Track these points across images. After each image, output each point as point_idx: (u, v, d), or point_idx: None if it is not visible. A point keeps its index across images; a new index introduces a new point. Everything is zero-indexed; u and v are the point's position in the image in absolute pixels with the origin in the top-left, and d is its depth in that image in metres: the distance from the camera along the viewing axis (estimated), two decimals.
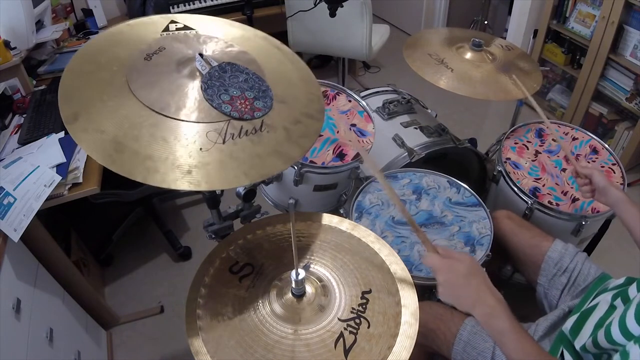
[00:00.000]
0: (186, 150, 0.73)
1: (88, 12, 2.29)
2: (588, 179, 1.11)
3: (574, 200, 1.30)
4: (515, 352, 0.74)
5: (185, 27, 0.94)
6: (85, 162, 1.33)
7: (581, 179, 1.13)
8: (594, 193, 1.10)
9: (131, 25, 0.91)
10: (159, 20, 0.94)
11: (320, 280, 0.81)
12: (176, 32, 0.93)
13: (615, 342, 0.76)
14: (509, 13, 2.90)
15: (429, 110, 1.76)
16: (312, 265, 0.84)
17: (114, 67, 0.81)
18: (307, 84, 0.95)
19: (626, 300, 0.83)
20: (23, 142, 1.43)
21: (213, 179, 0.71)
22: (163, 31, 0.91)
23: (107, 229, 2.03)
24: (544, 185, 1.34)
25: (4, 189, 1.22)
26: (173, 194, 2.30)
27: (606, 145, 1.44)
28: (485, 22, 3.29)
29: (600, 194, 1.08)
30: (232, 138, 0.77)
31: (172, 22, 0.94)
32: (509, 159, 1.41)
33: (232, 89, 0.83)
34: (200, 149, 0.74)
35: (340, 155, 1.32)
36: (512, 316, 0.74)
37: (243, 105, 0.81)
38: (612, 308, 0.86)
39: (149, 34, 0.90)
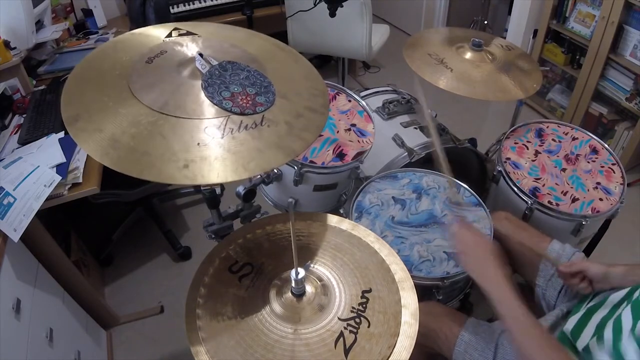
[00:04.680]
0: (183, 146, 0.73)
1: (88, 12, 2.29)
2: (581, 274, 0.99)
3: (574, 200, 1.30)
4: (509, 318, 0.79)
5: (188, 33, 0.95)
6: (85, 162, 1.33)
7: (573, 277, 1.01)
8: (593, 285, 0.98)
9: (134, 34, 0.92)
10: (161, 29, 0.95)
11: (320, 279, 0.81)
12: (178, 37, 0.93)
13: None
14: (509, 13, 2.90)
15: (429, 110, 1.76)
16: (312, 265, 0.84)
17: (116, 71, 0.82)
18: (310, 80, 0.95)
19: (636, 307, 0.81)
20: (23, 142, 1.42)
21: (210, 172, 0.71)
22: (166, 37, 0.93)
23: (107, 229, 2.03)
24: (543, 185, 1.34)
25: (4, 189, 1.22)
26: (173, 194, 2.29)
27: (606, 145, 1.44)
28: (485, 22, 3.30)
29: (602, 282, 0.96)
30: (231, 132, 0.77)
31: (175, 29, 0.95)
32: (508, 159, 1.41)
33: (233, 86, 0.83)
34: (198, 144, 0.74)
35: (340, 155, 1.32)
36: (512, 289, 0.79)
37: (244, 101, 0.81)
38: (614, 307, 0.86)
39: (152, 40, 0.91)
